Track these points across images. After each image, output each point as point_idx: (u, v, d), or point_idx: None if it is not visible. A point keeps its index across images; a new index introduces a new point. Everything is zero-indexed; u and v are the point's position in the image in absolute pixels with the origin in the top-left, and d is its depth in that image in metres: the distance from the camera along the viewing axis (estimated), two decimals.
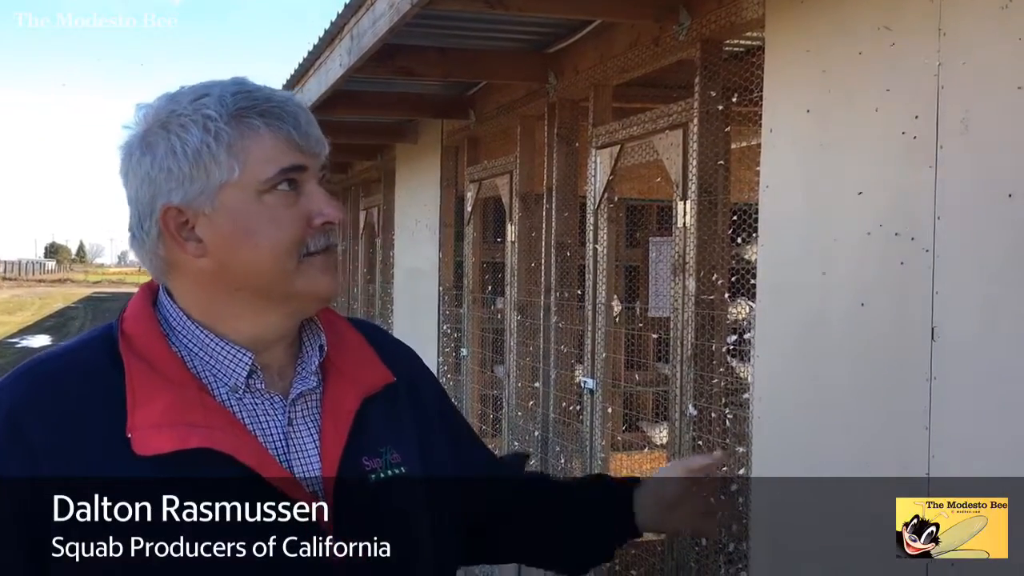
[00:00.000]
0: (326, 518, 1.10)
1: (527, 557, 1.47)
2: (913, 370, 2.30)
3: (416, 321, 6.85)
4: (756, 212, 3.00)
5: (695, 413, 3.34)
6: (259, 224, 1.10)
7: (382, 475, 1.16)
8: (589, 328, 4.23)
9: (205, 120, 1.09)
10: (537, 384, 4.90)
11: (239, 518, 1.07)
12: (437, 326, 6.38)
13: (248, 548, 1.06)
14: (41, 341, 20.87)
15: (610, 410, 4.19)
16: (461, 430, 1.39)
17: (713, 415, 3.32)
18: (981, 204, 2.16)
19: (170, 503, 1.05)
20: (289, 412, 1.15)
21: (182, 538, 1.05)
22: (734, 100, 3.30)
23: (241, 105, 1.10)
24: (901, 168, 2.38)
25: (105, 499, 1.04)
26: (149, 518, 1.04)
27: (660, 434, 5.01)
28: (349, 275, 9.19)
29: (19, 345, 19.91)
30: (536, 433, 4.89)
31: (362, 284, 8.65)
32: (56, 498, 1.03)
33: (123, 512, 1.04)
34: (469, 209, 5.82)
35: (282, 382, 1.16)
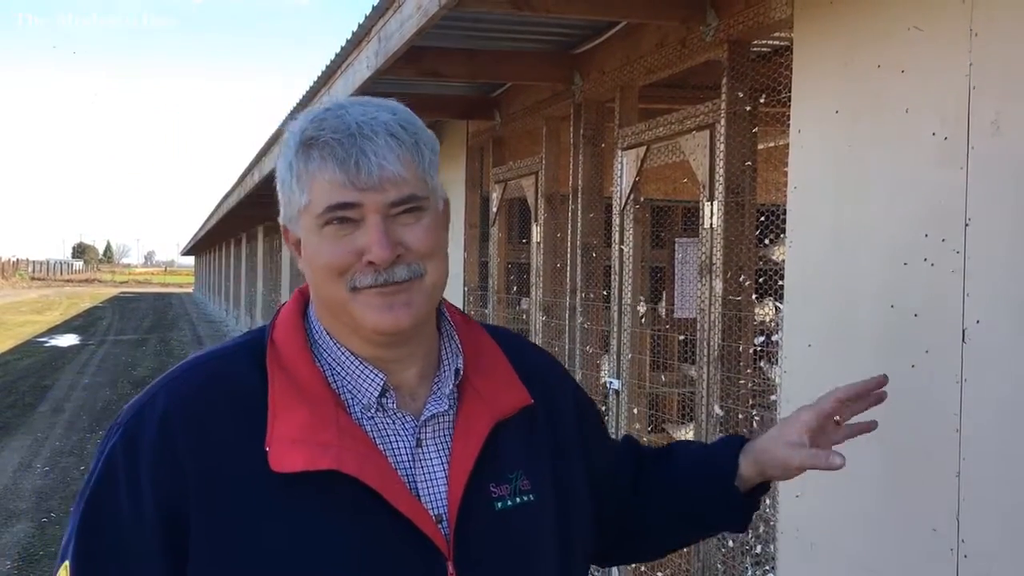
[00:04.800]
0: (448, 545, 1.10)
1: (656, 552, 1.50)
2: (944, 372, 2.28)
3: None
4: (784, 213, 2.99)
5: (722, 414, 3.33)
6: (316, 250, 1.12)
7: (509, 503, 1.15)
8: (615, 329, 4.23)
9: (287, 149, 1.13)
10: None
11: (363, 541, 1.07)
12: None
13: (368, 572, 1.07)
14: (69, 340, 21.09)
15: (635, 411, 4.19)
16: (598, 440, 1.36)
17: (740, 416, 3.31)
18: (1012, 205, 2.14)
19: (299, 524, 1.06)
20: (419, 433, 1.14)
21: (304, 559, 1.06)
22: (762, 101, 3.29)
23: (309, 135, 1.11)
24: (931, 169, 2.36)
25: (242, 514, 1.06)
26: (278, 536, 1.06)
27: (685, 435, 5.00)
28: None
29: (48, 344, 20.13)
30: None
31: None
32: (198, 513, 1.06)
33: (256, 528, 1.06)
34: (494, 210, 5.83)
35: (415, 403, 1.16)
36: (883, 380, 1.37)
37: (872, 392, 1.37)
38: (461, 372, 1.19)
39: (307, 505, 1.06)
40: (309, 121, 1.12)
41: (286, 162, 1.13)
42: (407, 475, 1.12)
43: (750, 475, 1.34)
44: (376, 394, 1.13)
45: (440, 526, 1.10)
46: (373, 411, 1.13)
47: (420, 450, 1.14)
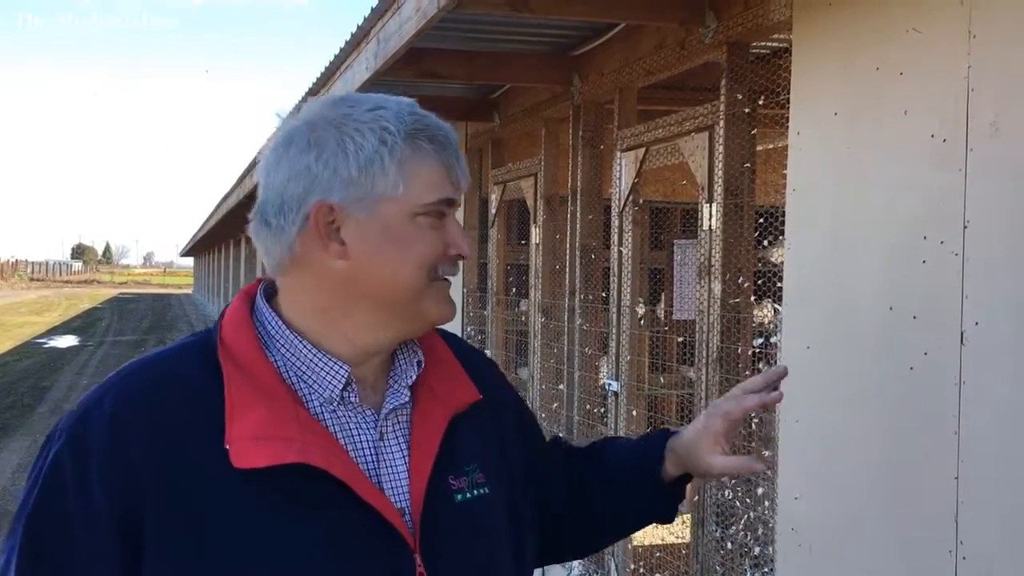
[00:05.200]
0: (414, 538, 1.10)
1: (592, 546, 1.50)
2: (942, 374, 2.28)
3: None
4: (782, 215, 2.99)
5: None
6: (410, 240, 1.11)
7: (468, 495, 1.17)
8: (613, 330, 4.23)
9: (383, 132, 1.09)
10: (561, 386, 4.91)
11: (330, 534, 1.06)
12: (461, 328, 6.40)
13: (337, 565, 1.06)
14: (68, 341, 21.08)
15: (634, 413, 4.19)
16: (535, 438, 1.40)
17: None
18: (1011, 207, 2.14)
19: (264, 518, 1.05)
20: (381, 426, 1.15)
21: (271, 553, 1.04)
22: (761, 102, 3.29)
23: (415, 126, 1.11)
24: (930, 171, 2.36)
25: (202, 511, 1.04)
26: (243, 532, 1.04)
27: None
28: None
29: (47, 345, 20.12)
30: (560, 435, 4.89)
31: None
32: (154, 512, 1.03)
33: (219, 525, 1.04)
34: (493, 211, 5.83)
35: (374, 396, 1.16)
36: (783, 372, 1.35)
37: (771, 384, 1.34)
38: (423, 364, 1.20)
39: (272, 500, 1.05)
40: (408, 113, 1.12)
41: (385, 145, 1.09)
42: (370, 468, 1.12)
43: (674, 471, 1.37)
44: (340, 387, 1.12)
45: (404, 519, 1.11)
46: (335, 405, 1.12)
47: (382, 443, 1.14)
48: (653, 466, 1.36)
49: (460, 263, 1.17)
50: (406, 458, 1.14)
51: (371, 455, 1.12)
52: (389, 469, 1.13)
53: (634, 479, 1.37)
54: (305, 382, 1.12)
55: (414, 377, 1.19)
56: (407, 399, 1.17)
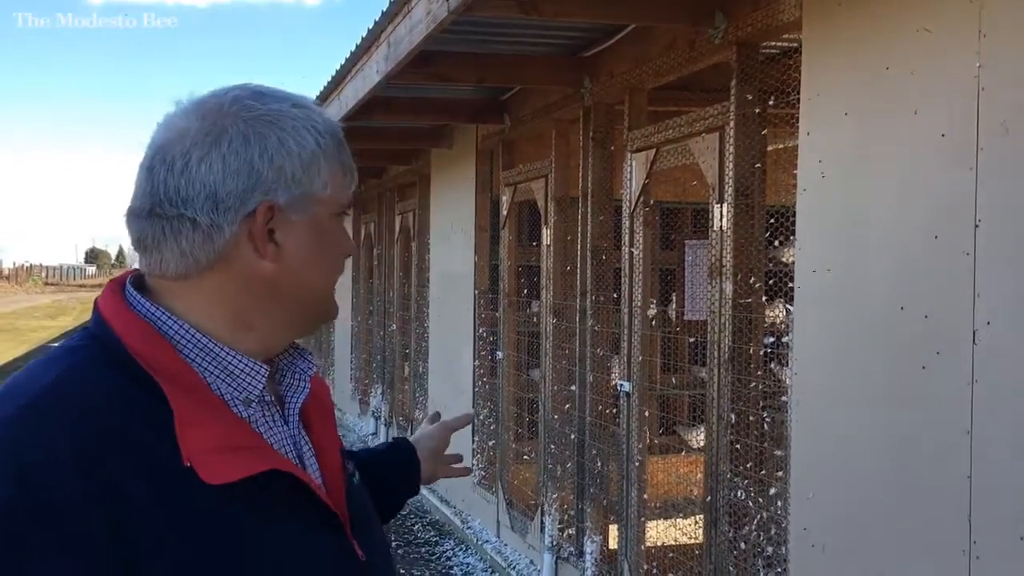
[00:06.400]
0: (348, 526, 1.12)
1: None
2: (954, 374, 2.28)
3: (451, 324, 6.88)
4: (793, 215, 2.99)
5: (732, 417, 3.33)
6: (333, 241, 1.11)
7: (356, 477, 1.21)
8: (625, 331, 4.24)
9: (315, 131, 1.08)
10: (573, 387, 4.91)
11: (309, 536, 1.06)
12: (473, 329, 6.41)
13: (324, 566, 1.07)
14: None
15: (646, 413, 4.19)
16: None
17: (751, 418, 3.31)
18: (1022, 206, 2.14)
19: (253, 530, 1.00)
20: (298, 420, 1.14)
21: (269, 564, 1.01)
22: (771, 103, 3.29)
23: (333, 126, 1.11)
24: (941, 171, 2.36)
25: (197, 535, 0.96)
26: (240, 549, 0.99)
27: (696, 437, 5.00)
28: (384, 279, 9.25)
29: None
30: (572, 436, 4.90)
31: (397, 288, 8.70)
32: (151, 546, 0.93)
33: (216, 547, 0.97)
34: (504, 213, 5.85)
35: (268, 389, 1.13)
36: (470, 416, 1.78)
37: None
38: (312, 355, 1.21)
39: (254, 511, 1.01)
40: (322, 111, 1.12)
41: (319, 146, 1.08)
42: (297, 463, 1.10)
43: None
44: (261, 386, 1.08)
45: None
46: (254, 405, 1.08)
47: (298, 436, 1.14)
48: (410, 454, 1.61)
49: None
50: (311, 449, 1.14)
51: (293, 452, 1.11)
52: (309, 464, 1.13)
53: (393, 467, 1.57)
54: (223, 385, 1.06)
55: (314, 370, 1.18)
56: (307, 391, 1.16)
